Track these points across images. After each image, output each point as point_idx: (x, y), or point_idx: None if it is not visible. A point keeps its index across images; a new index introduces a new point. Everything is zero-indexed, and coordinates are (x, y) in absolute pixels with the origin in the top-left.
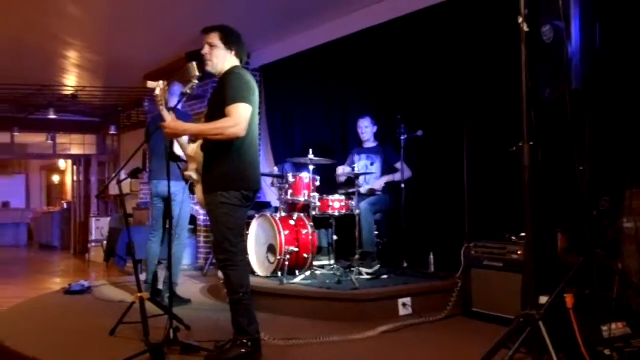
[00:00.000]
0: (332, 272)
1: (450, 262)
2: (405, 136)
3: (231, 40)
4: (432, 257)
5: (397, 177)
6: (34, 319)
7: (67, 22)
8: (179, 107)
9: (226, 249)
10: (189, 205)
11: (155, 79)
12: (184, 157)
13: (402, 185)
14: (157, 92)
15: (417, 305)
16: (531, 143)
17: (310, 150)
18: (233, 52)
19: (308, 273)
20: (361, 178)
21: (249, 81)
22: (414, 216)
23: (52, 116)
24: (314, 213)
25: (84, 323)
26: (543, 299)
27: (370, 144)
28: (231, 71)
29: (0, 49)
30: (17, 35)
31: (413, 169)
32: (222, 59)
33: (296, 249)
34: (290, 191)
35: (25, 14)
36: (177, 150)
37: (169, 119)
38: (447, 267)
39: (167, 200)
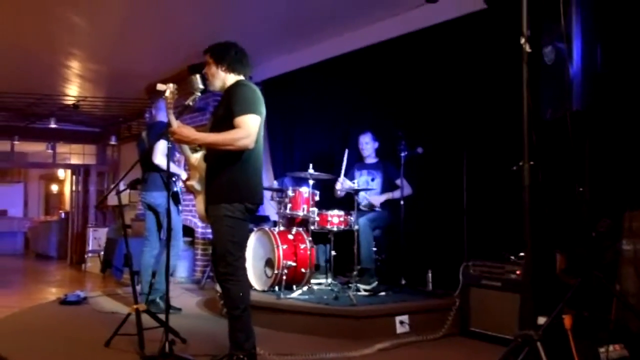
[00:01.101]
0: (329, 287)
1: (448, 281)
2: (406, 153)
3: (221, 57)
4: (430, 274)
5: (396, 194)
6: (29, 329)
7: (70, 33)
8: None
9: (228, 262)
10: (175, 215)
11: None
12: (176, 170)
13: (402, 202)
14: (167, 94)
15: (415, 323)
16: (532, 163)
17: (310, 165)
18: (225, 68)
19: (305, 288)
20: (361, 194)
21: (256, 92)
22: (413, 233)
23: (53, 125)
24: (312, 228)
25: (79, 334)
26: (541, 320)
27: (371, 159)
28: (235, 85)
29: (3, 58)
30: (20, 44)
31: (413, 185)
32: (219, 77)
33: (294, 264)
34: (289, 205)
35: (29, 23)
36: (172, 166)
37: (177, 124)
38: (445, 285)
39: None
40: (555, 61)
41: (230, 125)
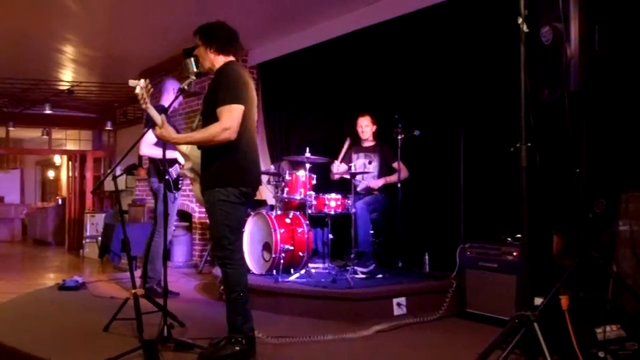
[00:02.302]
0: (327, 271)
1: (445, 263)
2: (402, 136)
3: (210, 38)
4: (427, 257)
5: (394, 178)
6: (27, 315)
7: (64, 17)
8: (175, 104)
9: (224, 246)
10: (170, 202)
11: (152, 75)
12: (173, 156)
13: (399, 185)
14: (137, 90)
15: (412, 305)
16: (529, 144)
17: (307, 149)
18: (213, 49)
19: (303, 271)
20: (358, 177)
21: (241, 77)
22: (410, 216)
23: (48, 111)
24: (309, 212)
25: (77, 319)
26: (538, 301)
27: (369, 142)
28: (222, 69)
29: (2, 48)
30: (14, 28)
31: (410, 168)
32: (207, 59)
33: (291, 247)
34: (286, 189)
35: (22, 7)
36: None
37: (159, 120)
38: (442, 267)
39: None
40: (553, 41)
41: (215, 113)
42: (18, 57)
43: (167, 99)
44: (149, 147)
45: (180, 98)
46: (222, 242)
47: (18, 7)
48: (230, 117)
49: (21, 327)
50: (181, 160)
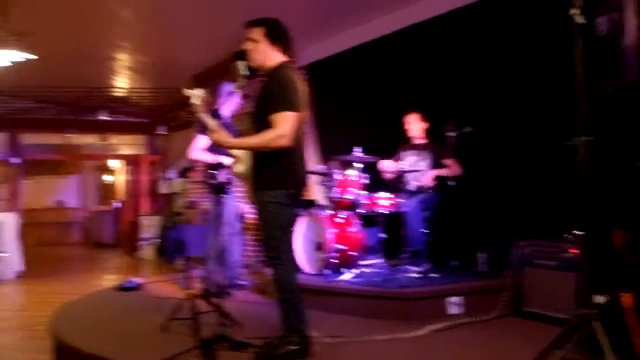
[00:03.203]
0: (379, 270)
1: (500, 261)
2: (455, 132)
3: (276, 35)
4: (482, 255)
5: (446, 172)
6: (89, 315)
7: (118, 25)
8: (235, 107)
9: (273, 247)
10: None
11: (204, 79)
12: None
13: (452, 183)
14: (195, 100)
15: (467, 304)
16: (587, 138)
17: (358, 148)
18: (278, 48)
19: (355, 271)
20: (409, 175)
21: (294, 81)
22: (464, 214)
23: (104, 117)
24: (361, 211)
25: (136, 319)
26: (598, 299)
27: (419, 140)
28: (279, 72)
29: (56, 54)
30: (72, 39)
31: (462, 165)
32: (266, 55)
33: (343, 247)
34: (337, 189)
35: (80, 18)
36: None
37: (213, 125)
38: (498, 265)
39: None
40: (609, 32)
41: (267, 118)
42: (76, 66)
43: (222, 103)
44: (198, 151)
45: (239, 101)
46: (271, 242)
47: (76, 19)
48: (285, 125)
49: (83, 328)
50: (226, 163)
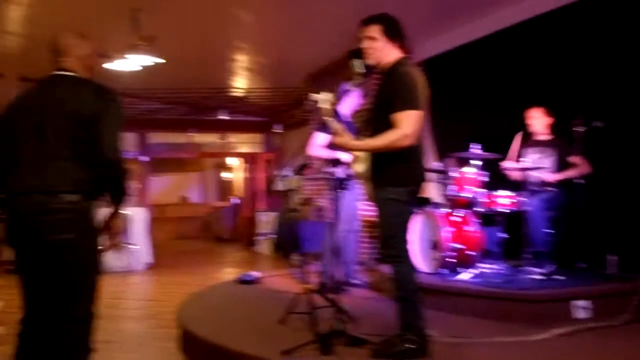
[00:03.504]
0: (499, 271)
1: (632, 264)
2: (583, 128)
3: (393, 31)
4: (612, 257)
5: (572, 173)
6: (212, 306)
7: (238, 28)
8: (355, 106)
9: (393, 244)
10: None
11: (319, 79)
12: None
13: (579, 181)
14: (323, 104)
15: (595, 308)
16: None
17: (476, 145)
18: (395, 44)
19: (474, 271)
20: (532, 173)
21: (416, 78)
22: (593, 214)
23: (224, 117)
24: (479, 209)
25: (255, 311)
26: None
27: (543, 136)
28: (399, 69)
29: (181, 58)
30: (198, 46)
31: (591, 163)
32: (384, 52)
33: (461, 246)
34: (453, 187)
35: (203, 24)
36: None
37: (338, 128)
38: (629, 268)
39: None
40: None
41: (388, 116)
42: (199, 69)
43: (341, 103)
44: (317, 148)
45: (357, 99)
46: (391, 240)
47: (199, 23)
48: (410, 124)
49: (207, 318)
50: (345, 159)
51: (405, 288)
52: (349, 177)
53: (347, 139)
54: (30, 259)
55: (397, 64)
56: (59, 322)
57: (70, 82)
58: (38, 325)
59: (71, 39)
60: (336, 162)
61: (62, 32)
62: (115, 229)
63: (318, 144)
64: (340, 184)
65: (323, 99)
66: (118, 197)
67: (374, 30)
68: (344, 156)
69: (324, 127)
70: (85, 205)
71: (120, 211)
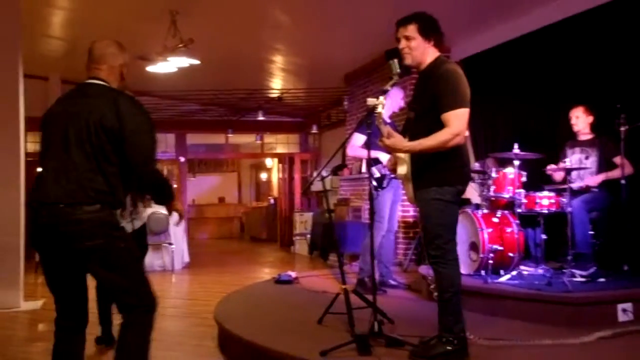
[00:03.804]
0: (540, 273)
1: None
2: (626, 127)
3: (430, 30)
4: None
5: (616, 174)
6: (249, 306)
7: (274, 29)
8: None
9: (438, 245)
10: (379, 199)
11: (355, 79)
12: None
13: (623, 182)
14: (380, 109)
15: (637, 311)
16: None
17: (516, 144)
18: (432, 43)
19: (514, 273)
20: (574, 173)
21: (463, 76)
22: (635, 215)
23: (260, 118)
24: (519, 210)
25: (293, 311)
26: None
27: (585, 136)
28: (442, 67)
29: (219, 60)
30: (235, 48)
31: (635, 163)
32: (422, 51)
33: (500, 248)
34: (492, 187)
35: (238, 24)
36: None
37: (389, 131)
38: None
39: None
40: None
41: (438, 118)
42: (235, 71)
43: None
44: (356, 148)
45: (398, 100)
46: (436, 241)
47: (234, 26)
48: (460, 123)
49: (243, 316)
50: (383, 159)
51: (449, 290)
52: (387, 178)
53: (399, 140)
54: (63, 264)
55: (439, 63)
56: (121, 312)
57: (99, 92)
58: (75, 325)
59: (107, 47)
60: (375, 162)
61: (101, 40)
62: (178, 210)
63: (357, 144)
64: (378, 184)
65: (379, 103)
66: (164, 201)
67: (411, 30)
68: (383, 156)
69: (362, 128)
70: (106, 213)
71: (170, 207)
